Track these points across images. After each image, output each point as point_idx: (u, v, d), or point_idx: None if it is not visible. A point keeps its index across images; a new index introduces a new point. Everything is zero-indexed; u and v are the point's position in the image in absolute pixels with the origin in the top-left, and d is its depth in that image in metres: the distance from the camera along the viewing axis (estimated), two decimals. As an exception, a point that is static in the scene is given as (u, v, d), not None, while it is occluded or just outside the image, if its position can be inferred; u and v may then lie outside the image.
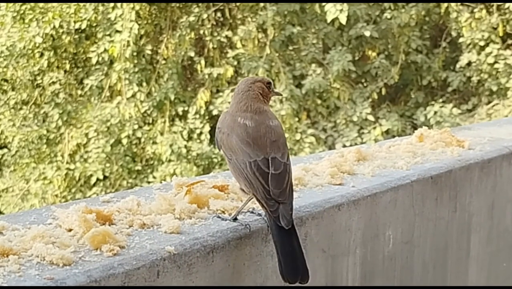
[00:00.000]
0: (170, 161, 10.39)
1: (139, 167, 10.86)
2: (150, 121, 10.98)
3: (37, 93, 11.45)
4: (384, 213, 2.32)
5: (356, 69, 10.68)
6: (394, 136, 8.18)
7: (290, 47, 11.02)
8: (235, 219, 1.78)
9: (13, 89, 11.66)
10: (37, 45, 10.89)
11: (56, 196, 10.77)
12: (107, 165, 10.69)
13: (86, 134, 10.87)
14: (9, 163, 11.60)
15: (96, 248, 1.52)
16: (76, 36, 11.12)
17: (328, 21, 10.31)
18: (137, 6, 10.55)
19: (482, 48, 10.47)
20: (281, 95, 2.15)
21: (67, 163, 10.89)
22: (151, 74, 10.96)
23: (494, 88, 10.45)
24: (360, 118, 10.43)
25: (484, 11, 10.66)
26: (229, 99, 10.05)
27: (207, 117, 10.69)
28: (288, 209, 1.66)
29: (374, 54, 11.13)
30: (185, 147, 10.41)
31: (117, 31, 10.51)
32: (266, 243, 1.81)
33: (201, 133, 10.59)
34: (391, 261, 2.38)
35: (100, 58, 10.71)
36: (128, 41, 10.37)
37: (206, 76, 10.74)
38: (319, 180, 2.27)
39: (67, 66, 11.41)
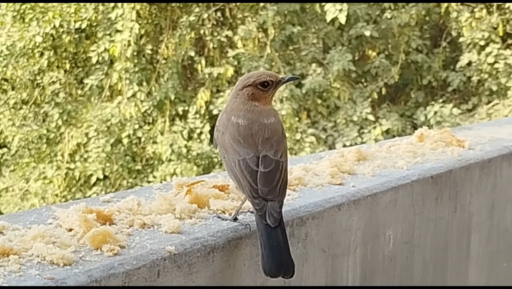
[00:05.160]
0: (170, 160, 10.39)
1: (139, 167, 10.86)
2: (150, 121, 10.98)
3: (37, 92, 11.45)
4: (384, 213, 2.32)
5: (356, 69, 10.68)
6: (394, 136, 8.19)
7: (290, 47, 11.01)
8: (235, 219, 1.78)
9: (13, 88, 11.65)
10: (37, 44, 10.88)
11: (56, 195, 10.77)
12: (107, 164, 10.68)
13: (86, 134, 10.87)
14: (9, 162, 11.59)
15: (96, 248, 1.52)
16: (76, 36, 11.12)
17: (328, 20, 10.31)
18: (138, 5, 10.54)
19: (482, 48, 10.47)
20: (294, 79, 2.12)
21: (67, 162, 10.88)
22: (151, 74, 10.95)
23: (494, 88, 10.45)
24: (360, 118, 10.43)
25: (484, 11, 10.66)
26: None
27: (207, 117, 10.69)
28: (277, 207, 1.65)
29: (374, 54, 11.12)
30: (185, 146, 10.41)
31: (118, 31, 10.51)
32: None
33: (201, 133, 10.59)
34: (391, 261, 2.38)
35: (100, 58, 10.71)
36: (128, 41, 10.37)
37: (206, 76, 10.74)
38: (319, 180, 2.26)
39: (67, 66, 11.40)
